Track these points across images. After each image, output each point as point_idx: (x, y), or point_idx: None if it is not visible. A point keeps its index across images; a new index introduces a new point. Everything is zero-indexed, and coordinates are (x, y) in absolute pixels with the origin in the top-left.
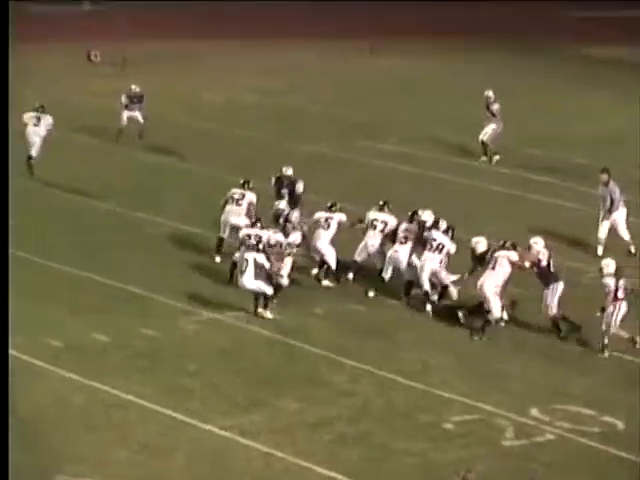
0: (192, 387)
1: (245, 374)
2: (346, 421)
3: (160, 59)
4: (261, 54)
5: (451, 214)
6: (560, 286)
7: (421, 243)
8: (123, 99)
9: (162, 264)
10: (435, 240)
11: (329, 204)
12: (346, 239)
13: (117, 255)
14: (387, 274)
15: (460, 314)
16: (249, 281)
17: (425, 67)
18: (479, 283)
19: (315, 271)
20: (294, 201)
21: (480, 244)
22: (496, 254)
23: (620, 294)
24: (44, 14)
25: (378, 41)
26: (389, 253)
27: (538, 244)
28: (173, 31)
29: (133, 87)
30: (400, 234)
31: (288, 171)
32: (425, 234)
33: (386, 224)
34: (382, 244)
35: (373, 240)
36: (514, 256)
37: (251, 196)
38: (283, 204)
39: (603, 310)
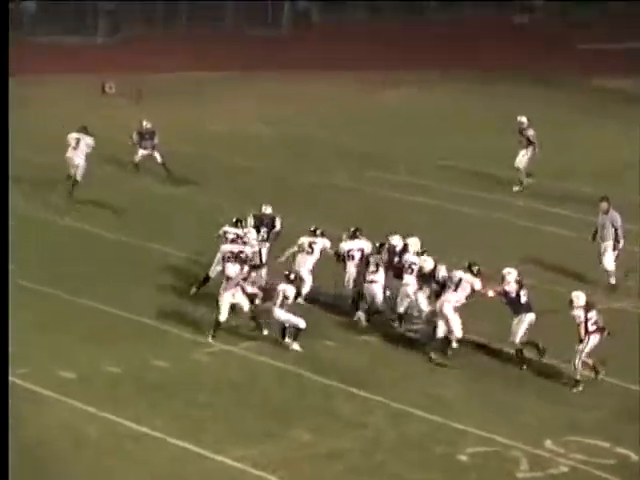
0: (204, 418)
1: (257, 405)
2: (359, 452)
3: (175, 90)
4: (272, 85)
5: (460, 244)
6: (529, 317)
7: (392, 268)
8: (134, 136)
9: (173, 295)
10: (414, 263)
11: (312, 228)
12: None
13: (128, 285)
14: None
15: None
16: (281, 312)
17: (436, 98)
18: (439, 304)
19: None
20: (272, 238)
21: (427, 262)
22: (460, 276)
23: (590, 327)
24: (59, 46)
25: (389, 72)
26: (365, 285)
27: (511, 274)
28: (188, 63)
29: (144, 123)
30: (371, 264)
31: (267, 210)
32: (402, 258)
33: (362, 251)
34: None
35: (353, 271)
36: (477, 284)
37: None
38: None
39: (581, 341)
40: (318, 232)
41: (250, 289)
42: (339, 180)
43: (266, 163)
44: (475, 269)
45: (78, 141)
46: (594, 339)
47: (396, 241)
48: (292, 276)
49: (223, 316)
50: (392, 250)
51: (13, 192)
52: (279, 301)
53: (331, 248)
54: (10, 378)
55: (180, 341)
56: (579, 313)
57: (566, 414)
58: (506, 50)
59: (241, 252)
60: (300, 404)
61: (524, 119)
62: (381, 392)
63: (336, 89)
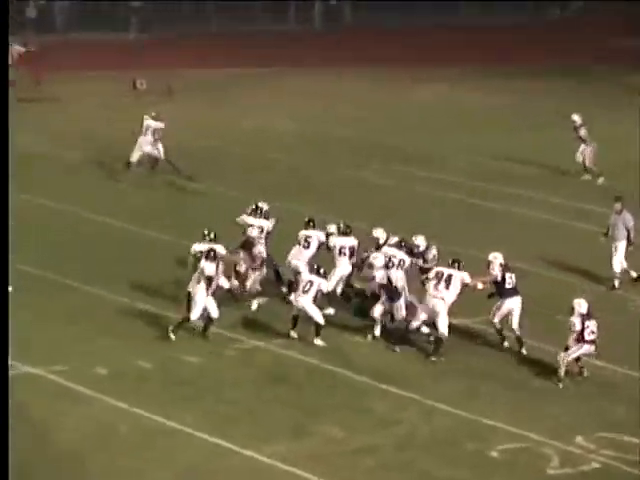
0: (234, 414)
1: (287, 401)
2: (389, 448)
3: (205, 87)
4: (302, 81)
5: (486, 239)
6: (514, 301)
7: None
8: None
9: None
10: (395, 256)
11: (306, 219)
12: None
13: (159, 282)
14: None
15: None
16: (308, 303)
17: (467, 95)
18: (433, 301)
19: (284, 289)
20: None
21: (418, 240)
22: (450, 272)
23: (587, 336)
24: (91, 42)
25: (420, 69)
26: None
27: (497, 259)
28: (218, 59)
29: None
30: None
31: (265, 206)
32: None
33: (353, 249)
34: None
35: (344, 268)
36: (467, 278)
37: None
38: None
39: (567, 349)
40: (311, 224)
41: (226, 284)
42: (369, 176)
43: (294, 159)
44: (461, 264)
45: (147, 128)
46: (588, 348)
47: (379, 233)
48: (322, 270)
49: (195, 315)
50: (377, 243)
51: (38, 187)
52: (312, 294)
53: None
54: (47, 375)
55: (211, 337)
56: (575, 320)
57: (597, 410)
58: (539, 47)
59: (212, 250)
60: (330, 400)
61: (576, 117)
62: (412, 388)
63: (367, 85)
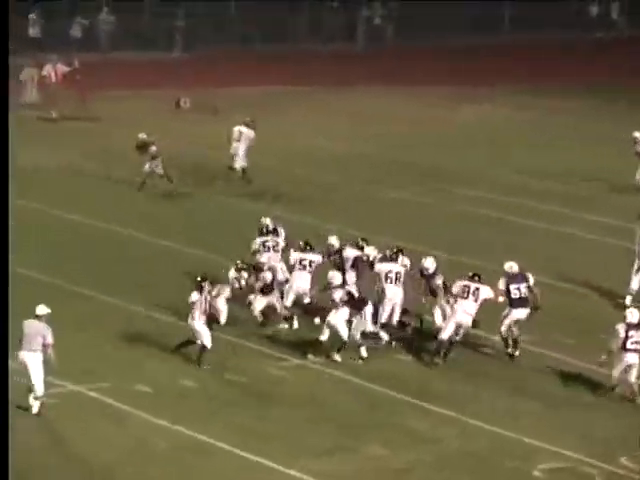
0: (276, 432)
1: (329, 419)
2: (430, 467)
3: (250, 105)
4: (346, 100)
5: (529, 258)
6: (519, 312)
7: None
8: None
9: (249, 310)
10: (391, 271)
11: (302, 243)
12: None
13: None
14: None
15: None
16: (340, 321)
17: (512, 114)
18: (459, 313)
19: (285, 312)
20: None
21: (427, 261)
22: (477, 286)
23: (629, 345)
24: (135, 61)
25: (465, 88)
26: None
27: (513, 268)
28: (262, 78)
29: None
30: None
31: (266, 220)
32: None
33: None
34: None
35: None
36: (490, 293)
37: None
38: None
39: (608, 355)
40: (308, 247)
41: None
42: (412, 195)
43: (337, 178)
44: (481, 277)
45: (241, 134)
46: (631, 358)
47: (370, 251)
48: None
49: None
50: (369, 260)
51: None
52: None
53: (411, 267)
54: (89, 393)
55: (254, 355)
56: (619, 328)
57: None
58: (584, 66)
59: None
60: (372, 418)
61: (638, 134)
62: (452, 407)
63: (412, 105)
